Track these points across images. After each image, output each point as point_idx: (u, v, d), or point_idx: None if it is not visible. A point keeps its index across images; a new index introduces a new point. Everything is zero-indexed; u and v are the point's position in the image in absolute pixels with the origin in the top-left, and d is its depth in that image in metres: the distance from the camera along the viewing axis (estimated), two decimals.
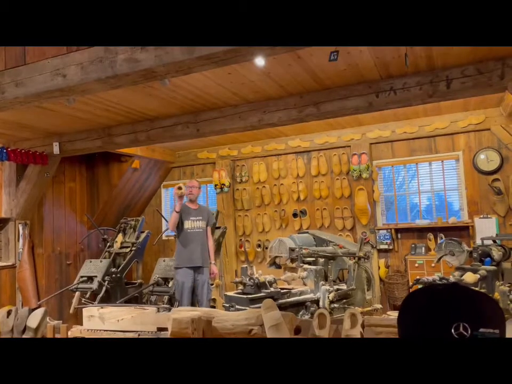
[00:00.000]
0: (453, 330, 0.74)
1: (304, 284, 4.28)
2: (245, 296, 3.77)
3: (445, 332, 0.75)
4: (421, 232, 5.61)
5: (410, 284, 4.81)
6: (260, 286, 3.82)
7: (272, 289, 3.87)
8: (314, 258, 4.53)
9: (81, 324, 2.72)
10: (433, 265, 5.08)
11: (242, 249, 6.50)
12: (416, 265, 5.35)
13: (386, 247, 5.69)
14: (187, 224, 4.58)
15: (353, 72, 3.56)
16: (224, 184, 6.59)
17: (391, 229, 5.71)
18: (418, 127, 5.59)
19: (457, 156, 5.54)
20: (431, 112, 5.34)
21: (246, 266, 4.01)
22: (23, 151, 4.95)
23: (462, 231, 5.31)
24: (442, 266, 4.92)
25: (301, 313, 4.00)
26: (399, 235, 5.74)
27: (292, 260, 4.57)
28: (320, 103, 3.93)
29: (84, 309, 2.67)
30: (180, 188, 4.37)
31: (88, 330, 2.57)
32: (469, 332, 0.74)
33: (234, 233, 6.61)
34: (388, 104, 3.75)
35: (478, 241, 4.66)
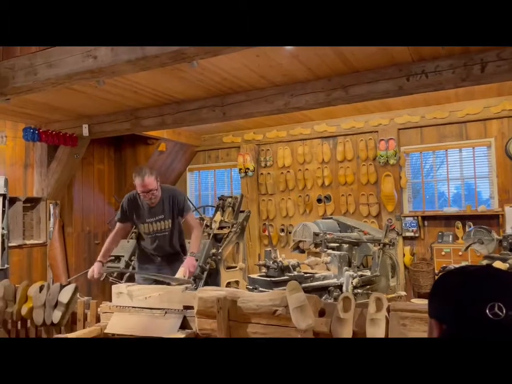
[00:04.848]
0: (487, 311, 0.74)
1: (328, 269, 4.28)
2: (268, 279, 3.80)
3: (479, 312, 0.74)
4: (448, 220, 5.50)
5: (436, 271, 4.75)
6: (284, 269, 3.84)
7: (295, 272, 3.87)
8: (338, 244, 4.51)
9: (110, 301, 2.80)
10: (460, 253, 4.99)
11: (266, 233, 6.53)
12: (443, 253, 5.27)
13: (412, 234, 5.61)
14: (144, 228, 3.35)
15: (384, 54, 3.47)
16: (248, 169, 6.59)
17: (417, 216, 5.62)
18: (449, 112, 5.44)
19: (489, 142, 5.38)
20: (463, 97, 5.18)
21: (270, 250, 4.03)
22: (54, 132, 5.07)
23: (491, 220, 5.18)
24: (470, 255, 4.82)
25: (323, 297, 4.00)
26: (425, 223, 5.64)
27: (316, 245, 4.56)
28: (349, 87, 3.86)
29: (113, 286, 2.75)
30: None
31: (117, 306, 2.65)
32: (504, 311, 0.73)
33: (257, 218, 6.63)
34: (419, 88, 3.65)
35: (508, 230, 4.55)
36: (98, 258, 3.23)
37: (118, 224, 3.42)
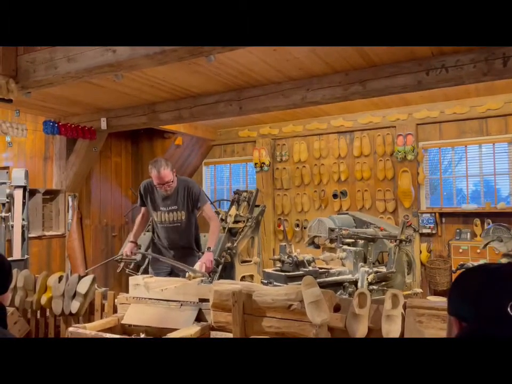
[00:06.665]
0: (508, 309, 0.72)
1: (343, 265, 4.26)
2: (283, 273, 3.80)
3: (500, 310, 0.73)
4: (466, 217, 5.41)
5: (454, 269, 4.69)
6: (298, 264, 3.84)
7: (310, 268, 3.87)
8: (353, 240, 4.48)
9: (126, 292, 2.84)
10: (478, 251, 4.91)
11: (281, 228, 6.53)
12: (460, 250, 5.19)
13: (429, 231, 5.54)
14: (157, 216, 3.38)
15: (403, 49, 3.42)
16: (264, 163, 6.59)
17: (435, 213, 5.55)
18: (469, 107, 5.34)
19: (510, 138, 5.26)
20: (484, 92, 5.08)
21: (285, 245, 4.03)
22: (72, 125, 5.14)
23: (511, 218, 5.09)
24: (488, 253, 4.75)
25: (338, 293, 3.99)
26: (443, 219, 5.57)
27: (331, 241, 4.54)
28: (367, 81, 3.82)
29: (130, 278, 2.79)
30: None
31: (133, 298, 2.69)
32: None
33: (273, 212, 6.63)
34: (439, 82, 3.59)
35: None
36: (130, 239, 3.47)
37: (141, 208, 3.54)
